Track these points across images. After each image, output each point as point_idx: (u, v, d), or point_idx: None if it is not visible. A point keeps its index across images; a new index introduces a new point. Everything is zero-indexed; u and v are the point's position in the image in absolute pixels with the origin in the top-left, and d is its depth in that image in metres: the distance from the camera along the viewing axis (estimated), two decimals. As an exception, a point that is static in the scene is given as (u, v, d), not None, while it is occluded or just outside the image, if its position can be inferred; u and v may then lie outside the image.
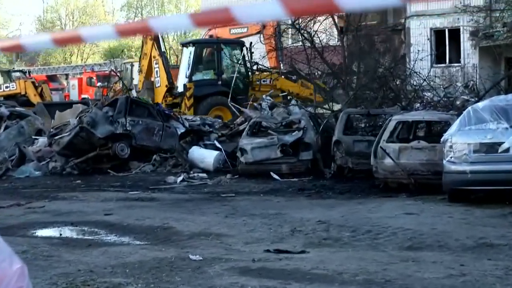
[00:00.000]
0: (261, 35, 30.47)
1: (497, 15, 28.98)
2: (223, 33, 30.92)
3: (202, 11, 3.43)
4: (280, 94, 27.56)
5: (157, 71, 29.22)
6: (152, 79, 29.49)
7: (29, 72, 48.40)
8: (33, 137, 24.72)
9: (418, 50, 26.54)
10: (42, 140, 23.74)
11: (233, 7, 2.89)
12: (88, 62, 67.38)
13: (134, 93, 30.48)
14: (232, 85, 27.96)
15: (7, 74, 43.25)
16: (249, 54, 29.44)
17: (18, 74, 42.80)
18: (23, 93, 34.93)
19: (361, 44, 26.00)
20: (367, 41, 26.93)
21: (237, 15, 2.86)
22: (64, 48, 74.15)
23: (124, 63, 46.97)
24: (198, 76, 28.88)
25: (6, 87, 36.13)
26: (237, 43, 30.06)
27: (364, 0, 2.76)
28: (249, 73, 29.40)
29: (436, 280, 8.71)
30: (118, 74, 40.43)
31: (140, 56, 30.92)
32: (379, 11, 33.43)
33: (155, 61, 29.20)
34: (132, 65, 44.22)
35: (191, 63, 28.89)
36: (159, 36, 29.16)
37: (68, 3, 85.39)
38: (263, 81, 29.29)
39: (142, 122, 22.48)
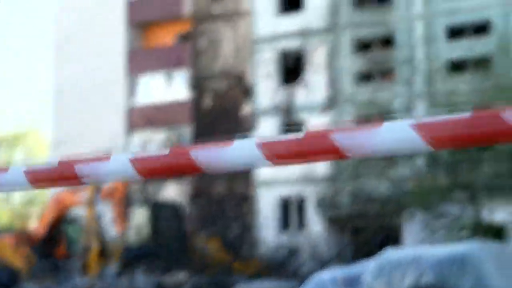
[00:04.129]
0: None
1: (341, 185, 29.79)
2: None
3: None
4: None
5: None
6: None
7: None
8: None
9: (264, 218, 26.89)
10: None
11: None
12: None
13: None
14: None
15: None
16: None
17: None
18: None
19: (211, 211, 26.14)
20: (216, 207, 27.10)
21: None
22: None
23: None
24: None
25: None
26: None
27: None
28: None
29: None
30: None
31: None
32: (227, 179, 33.86)
33: None
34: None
35: None
36: None
37: None
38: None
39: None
